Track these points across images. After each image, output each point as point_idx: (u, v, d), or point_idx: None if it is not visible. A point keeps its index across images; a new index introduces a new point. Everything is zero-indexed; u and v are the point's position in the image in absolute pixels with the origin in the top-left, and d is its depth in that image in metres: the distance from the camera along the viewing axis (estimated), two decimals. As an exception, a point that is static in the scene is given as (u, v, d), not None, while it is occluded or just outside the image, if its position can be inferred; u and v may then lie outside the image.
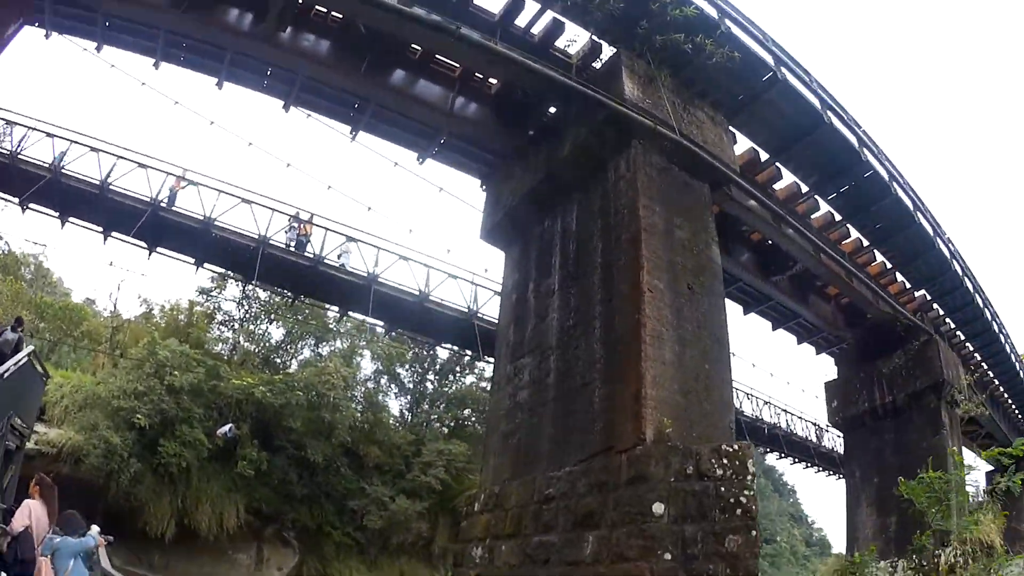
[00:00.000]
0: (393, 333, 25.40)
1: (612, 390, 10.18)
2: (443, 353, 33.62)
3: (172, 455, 24.69)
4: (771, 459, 41.13)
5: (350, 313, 22.29)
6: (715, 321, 11.31)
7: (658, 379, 9.75)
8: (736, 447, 8.82)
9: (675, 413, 9.60)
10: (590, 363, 10.81)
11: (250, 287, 28.75)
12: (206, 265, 21.26)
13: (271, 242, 19.86)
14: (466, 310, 21.53)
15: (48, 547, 7.94)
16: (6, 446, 12.08)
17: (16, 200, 19.85)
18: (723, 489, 8.32)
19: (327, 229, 20.71)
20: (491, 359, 22.55)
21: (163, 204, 19.52)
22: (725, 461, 8.57)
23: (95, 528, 8.72)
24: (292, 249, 20.23)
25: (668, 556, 8.02)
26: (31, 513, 8.12)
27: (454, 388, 34.42)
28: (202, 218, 19.49)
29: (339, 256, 20.62)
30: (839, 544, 49.04)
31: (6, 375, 11.98)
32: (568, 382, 11.18)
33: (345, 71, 14.47)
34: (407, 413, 34.14)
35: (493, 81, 14.87)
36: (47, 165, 19.11)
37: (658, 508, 8.38)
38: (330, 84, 15.20)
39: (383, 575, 29.33)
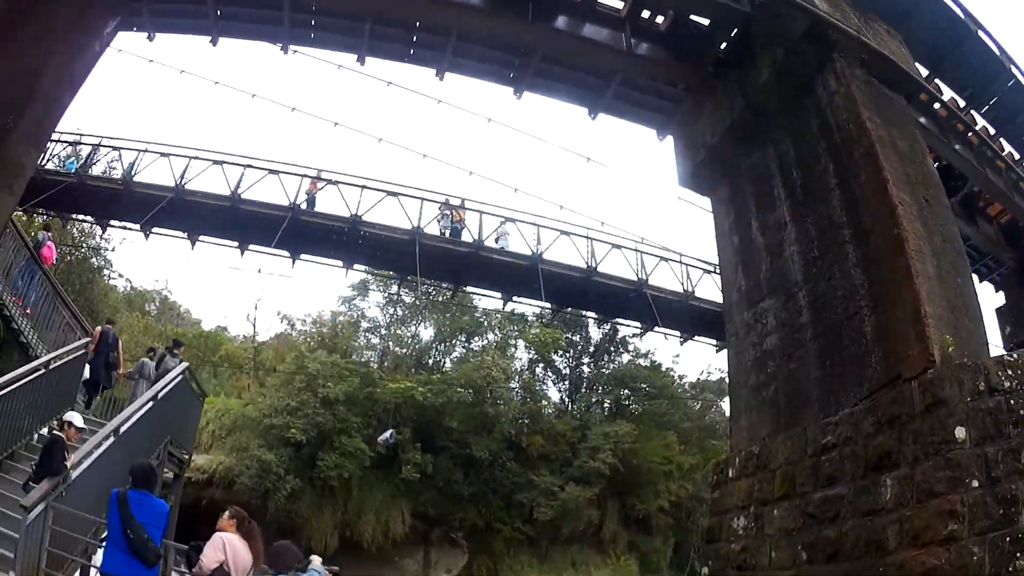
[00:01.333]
0: (559, 313, 23.80)
1: (884, 315, 9.38)
2: (595, 334, 32.71)
3: (332, 467, 24.75)
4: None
5: (515, 299, 20.93)
6: (951, 233, 10.66)
7: (930, 296, 9.10)
8: (1016, 357, 8.11)
9: (949, 330, 8.95)
10: (850, 291, 9.96)
11: (393, 290, 28.13)
12: (356, 267, 20.20)
13: (425, 233, 18.80)
14: (635, 280, 20.07)
15: None
16: (162, 475, 11.43)
17: (137, 227, 19.40)
18: (1012, 402, 7.66)
19: (481, 212, 19.64)
20: (665, 329, 20.87)
21: (302, 207, 18.70)
22: (1010, 372, 7.85)
23: (316, 560, 6.71)
24: (448, 237, 19.27)
25: (975, 484, 7.37)
26: (225, 547, 6.33)
27: (611, 369, 33.07)
28: (348, 217, 18.60)
29: (497, 240, 19.54)
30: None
31: (160, 396, 11.61)
32: (827, 317, 10.30)
33: (508, 19, 13.26)
34: (567, 399, 33.14)
35: (660, 20, 13.76)
36: (169, 185, 18.61)
37: (960, 433, 7.75)
38: (489, 38, 14.12)
39: (555, 567, 28.46)
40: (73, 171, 19.18)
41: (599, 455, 27.54)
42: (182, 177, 18.57)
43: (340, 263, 19.84)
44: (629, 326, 22.87)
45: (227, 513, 6.73)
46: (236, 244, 19.57)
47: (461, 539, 27.63)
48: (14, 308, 13.45)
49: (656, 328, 21.29)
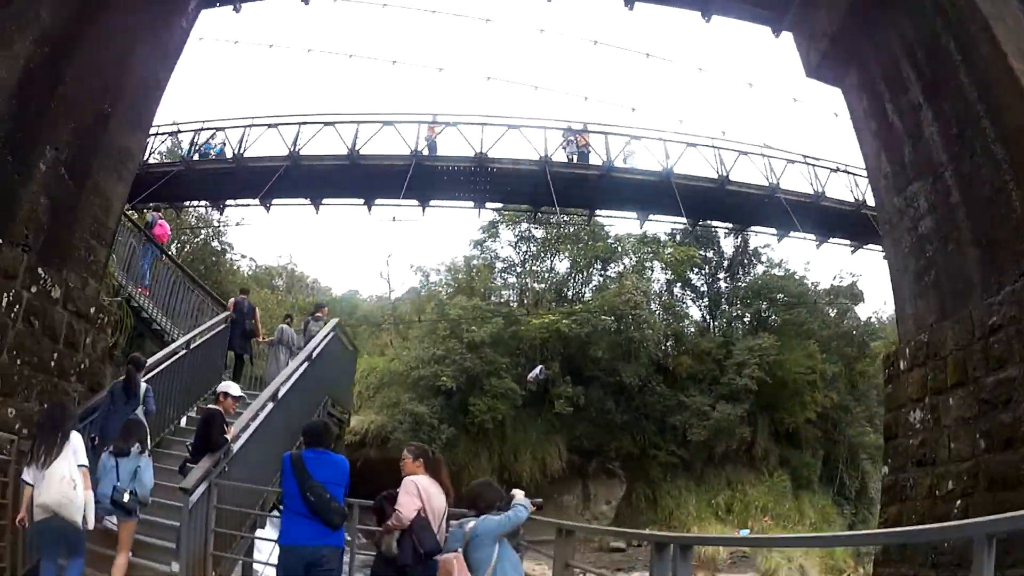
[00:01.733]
0: (695, 227, 23.33)
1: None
2: (727, 248, 32.11)
3: (484, 411, 24.76)
4: None
5: (651, 217, 20.59)
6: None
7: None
8: None
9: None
10: (994, 168, 9.45)
11: (524, 226, 28.12)
12: (487, 206, 20.17)
13: (553, 161, 18.61)
14: (767, 184, 19.45)
15: (457, 536, 5.27)
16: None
17: (256, 201, 19.51)
18: None
19: (605, 134, 19.25)
20: (801, 234, 20.23)
21: (424, 153, 18.72)
22: None
23: (519, 493, 5.71)
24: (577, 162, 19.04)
25: None
26: (419, 491, 5.79)
27: (746, 282, 32.31)
28: (474, 156, 18.52)
29: (624, 159, 19.20)
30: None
31: (314, 356, 11.35)
32: (976, 195, 9.83)
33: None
34: (707, 317, 32.62)
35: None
36: (282, 154, 18.54)
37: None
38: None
39: (710, 488, 28.22)
40: (215, 153, 19.54)
41: (745, 370, 27.04)
42: (294, 144, 18.55)
43: (471, 204, 19.97)
44: (765, 233, 22.22)
45: (408, 453, 6.25)
46: (362, 201, 19.79)
47: (618, 469, 27.65)
48: (142, 298, 13.55)
49: (792, 233, 20.81)
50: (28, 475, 6.13)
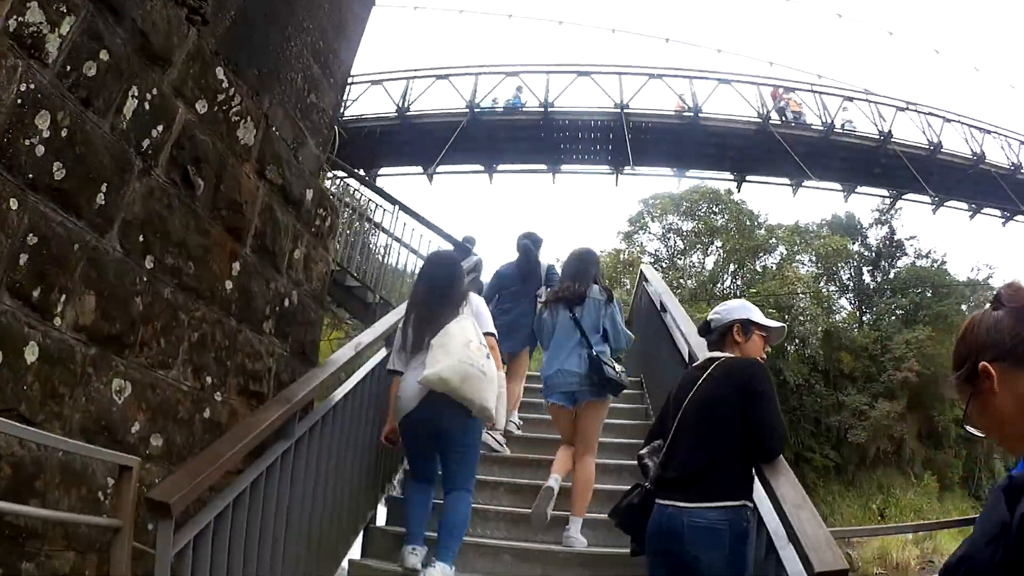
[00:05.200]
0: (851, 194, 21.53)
1: None
2: (872, 239, 30.71)
3: None
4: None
5: (804, 183, 18.82)
6: None
7: None
8: None
9: None
10: None
11: (670, 219, 27.16)
12: (626, 170, 18.80)
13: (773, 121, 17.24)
14: (927, 144, 17.80)
15: None
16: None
17: (419, 169, 18.01)
18: None
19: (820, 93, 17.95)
20: (954, 203, 19.43)
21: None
22: None
23: None
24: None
25: None
26: None
27: (892, 274, 30.70)
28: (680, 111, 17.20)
29: (842, 125, 17.73)
30: None
31: None
32: None
33: None
34: (858, 311, 30.89)
35: None
36: (457, 109, 16.85)
37: None
38: None
39: (862, 493, 26.19)
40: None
41: (904, 364, 25.44)
42: (473, 97, 16.67)
43: (607, 167, 18.26)
44: (919, 201, 20.26)
45: None
46: (545, 168, 18.43)
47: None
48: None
49: (946, 203, 19.42)
50: (398, 361, 4.31)
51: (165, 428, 3.54)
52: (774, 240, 30.04)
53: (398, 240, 10.79)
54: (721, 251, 30.08)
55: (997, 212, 19.70)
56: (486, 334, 4.31)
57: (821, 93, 17.95)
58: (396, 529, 4.65)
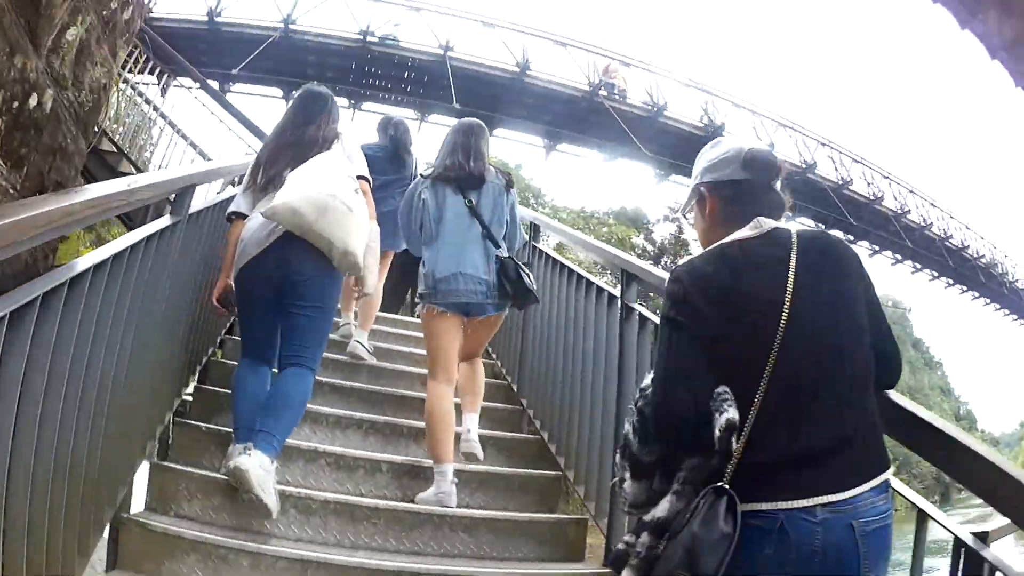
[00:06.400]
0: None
1: None
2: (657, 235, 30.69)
3: None
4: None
5: None
6: None
7: None
8: None
9: None
10: None
11: None
12: None
13: None
14: None
15: None
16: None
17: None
18: None
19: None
20: None
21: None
22: None
23: None
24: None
25: None
26: None
27: None
28: None
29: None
30: (983, 420, 51.46)
31: None
32: None
33: None
34: None
35: None
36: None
37: None
38: None
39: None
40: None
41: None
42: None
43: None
44: None
45: None
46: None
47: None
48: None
49: None
50: (243, 201, 3.39)
51: None
52: (558, 220, 29.42)
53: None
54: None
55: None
56: (358, 177, 3.34)
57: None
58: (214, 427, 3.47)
